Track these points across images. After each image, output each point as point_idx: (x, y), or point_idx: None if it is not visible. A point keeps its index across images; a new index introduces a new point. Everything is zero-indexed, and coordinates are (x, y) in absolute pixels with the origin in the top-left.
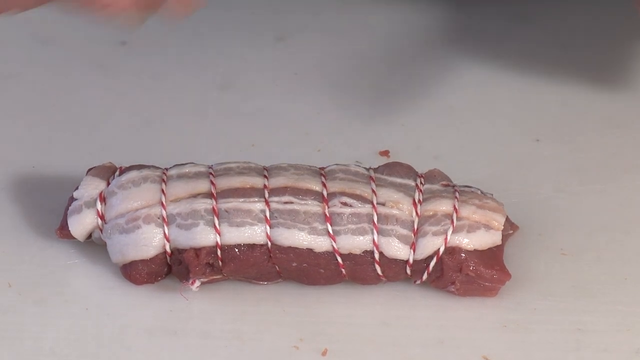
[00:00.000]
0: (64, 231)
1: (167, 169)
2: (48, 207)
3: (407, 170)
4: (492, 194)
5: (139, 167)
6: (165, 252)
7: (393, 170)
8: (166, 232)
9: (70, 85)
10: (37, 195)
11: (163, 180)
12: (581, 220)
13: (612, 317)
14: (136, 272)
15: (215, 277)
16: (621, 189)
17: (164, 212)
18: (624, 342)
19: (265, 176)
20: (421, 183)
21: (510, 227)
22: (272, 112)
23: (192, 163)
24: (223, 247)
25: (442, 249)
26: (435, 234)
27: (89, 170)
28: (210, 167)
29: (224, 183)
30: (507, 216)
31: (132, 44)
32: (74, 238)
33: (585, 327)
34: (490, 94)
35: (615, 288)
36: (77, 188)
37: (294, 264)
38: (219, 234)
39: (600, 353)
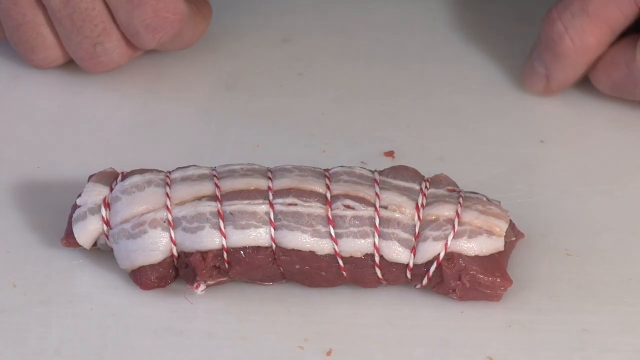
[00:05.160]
0: (69, 240)
1: (170, 172)
2: (53, 208)
3: (412, 174)
4: (499, 202)
5: (141, 171)
6: (172, 255)
7: (398, 173)
8: (172, 235)
9: (74, 85)
10: (42, 196)
11: (167, 184)
12: (586, 221)
13: (617, 317)
14: (145, 278)
15: (221, 279)
16: (626, 190)
17: (169, 216)
18: (629, 342)
19: (269, 178)
20: (426, 187)
21: (514, 234)
22: (277, 113)
23: (195, 166)
24: (229, 250)
25: (442, 254)
26: (435, 239)
27: (91, 176)
28: (213, 169)
29: (228, 185)
30: (513, 223)
31: None
32: (80, 246)
33: (590, 328)
34: (495, 94)
35: (620, 288)
36: (79, 195)
37: (297, 267)
38: (225, 237)
39: (605, 353)
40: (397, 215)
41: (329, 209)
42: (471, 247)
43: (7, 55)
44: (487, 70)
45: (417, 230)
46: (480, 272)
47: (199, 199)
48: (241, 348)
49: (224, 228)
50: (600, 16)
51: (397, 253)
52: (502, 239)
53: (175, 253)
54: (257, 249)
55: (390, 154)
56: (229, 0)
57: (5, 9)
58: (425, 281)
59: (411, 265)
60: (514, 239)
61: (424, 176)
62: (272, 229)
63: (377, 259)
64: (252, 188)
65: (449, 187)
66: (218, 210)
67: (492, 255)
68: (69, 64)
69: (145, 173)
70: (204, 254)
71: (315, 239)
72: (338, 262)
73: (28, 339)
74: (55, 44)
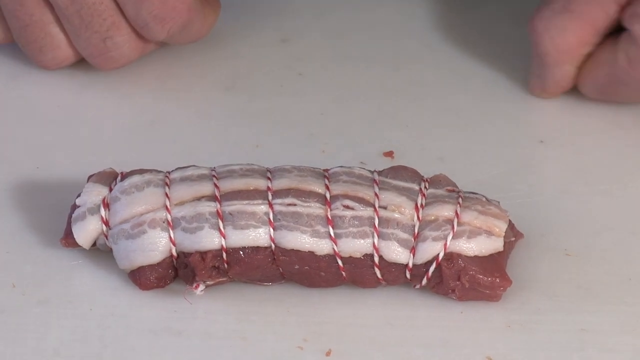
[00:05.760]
0: (69, 240)
1: (169, 173)
2: (52, 208)
3: (412, 174)
4: (498, 202)
5: (141, 171)
6: (171, 255)
7: (398, 173)
8: (172, 236)
9: (74, 85)
10: (41, 196)
11: (166, 184)
12: (585, 221)
13: (617, 317)
14: (145, 278)
15: (221, 279)
16: (626, 190)
17: (169, 216)
18: (629, 342)
19: (268, 178)
20: (425, 187)
21: (513, 235)
22: (276, 113)
23: (195, 166)
24: (228, 250)
25: (441, 255)
26: (435, 239)
27: (90, 176)
28: (212, 170)
29: (228, 185)
30: (512, 223)
31: None
32: (80, 246)
33: (590, 328)
34: (495, 94)
35: (620, 288)
36: (79, 195)
37: (296, 267)
38: (224, 237)
39: (604, 353)
40: (396, 215)
41: (328, 209)
42: (470, 247)
43: (7, 55)
44: (486, 71)
45: (416, 231)
46: (479, 272)
47: (198, 199)
48: (240, 348)
49: (223, 228)
50: (583, 14)
51: (397, 253)
52: (502, 239)
53: (174, 253)
54: (256, 249)
55: (389, 154)
56: (229, 0)
57: (12, 10)
58: (424, 281)
59: (410, 265)
60: (513, 239)
61: (423, 176)
62: (272, 229)
63: (376, 259)
64: (252, 188)
65: (448, 188)
66: (217, 211)
67: (491, 255)
68: (70, 70)
69: (145, 173)
70: (203, 254)
71: (315, 239)
72: (337, 263)
73: (27, 339)
74: (64, 43)
